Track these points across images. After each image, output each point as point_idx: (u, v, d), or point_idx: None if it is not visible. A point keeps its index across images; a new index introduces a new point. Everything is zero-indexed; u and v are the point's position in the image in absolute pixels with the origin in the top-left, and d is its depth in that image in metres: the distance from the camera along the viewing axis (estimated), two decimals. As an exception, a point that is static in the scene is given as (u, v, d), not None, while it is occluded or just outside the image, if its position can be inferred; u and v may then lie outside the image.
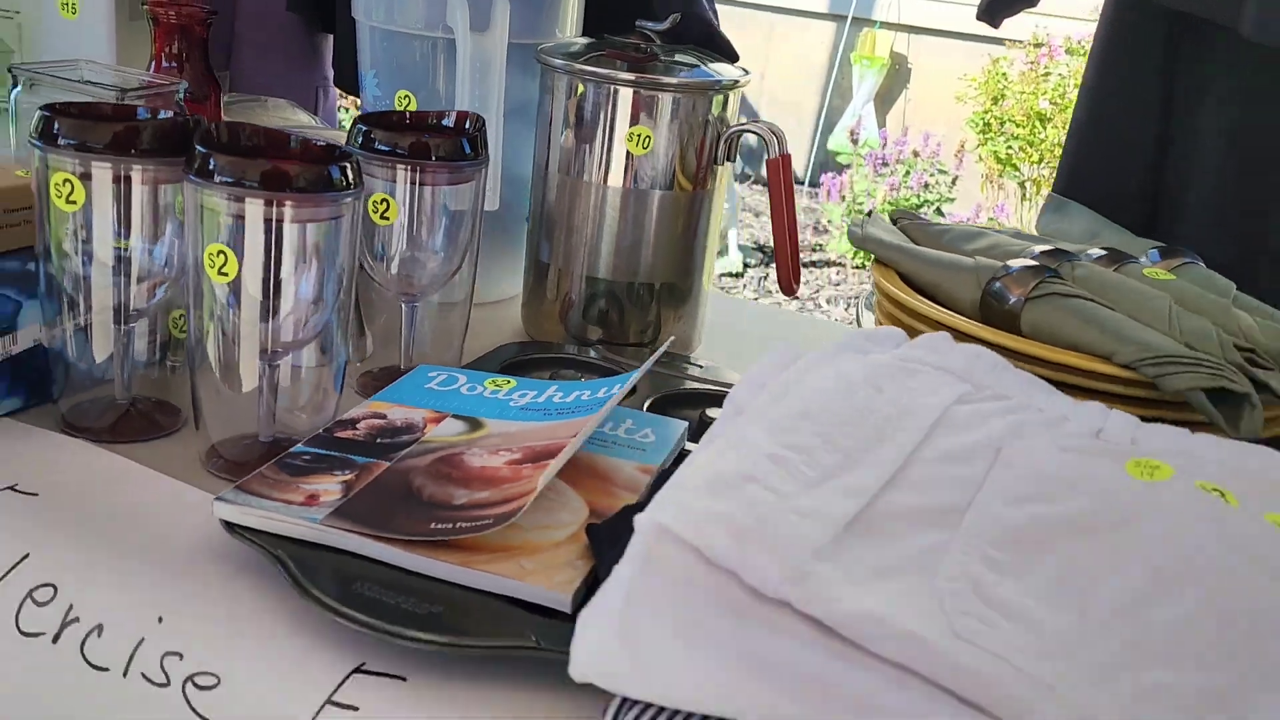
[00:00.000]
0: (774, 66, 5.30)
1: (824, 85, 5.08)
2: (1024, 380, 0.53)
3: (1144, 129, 0.90)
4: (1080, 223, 0.83)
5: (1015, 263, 0.66)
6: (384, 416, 0.58)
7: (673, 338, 0.69)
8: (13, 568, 0.48)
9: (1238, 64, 0.86)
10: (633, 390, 0.69)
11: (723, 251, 3.42)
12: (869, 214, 0.78)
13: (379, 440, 0.55)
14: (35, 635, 0.47)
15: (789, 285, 0.74)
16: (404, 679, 0.43)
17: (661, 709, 0.36)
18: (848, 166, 3.84)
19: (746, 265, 3.38)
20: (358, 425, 0.57)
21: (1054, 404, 0.52)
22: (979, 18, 0.93)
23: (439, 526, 0.47)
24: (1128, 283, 0.65)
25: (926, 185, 3.42)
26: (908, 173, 3.44)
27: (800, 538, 0.38)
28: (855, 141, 3.91)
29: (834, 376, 0.49)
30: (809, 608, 0.36)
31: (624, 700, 0.36)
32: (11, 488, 0.52)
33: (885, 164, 3.51)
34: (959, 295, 0.67)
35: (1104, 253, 0.71)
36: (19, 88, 0.75)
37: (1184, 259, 0.73)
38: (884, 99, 4.96)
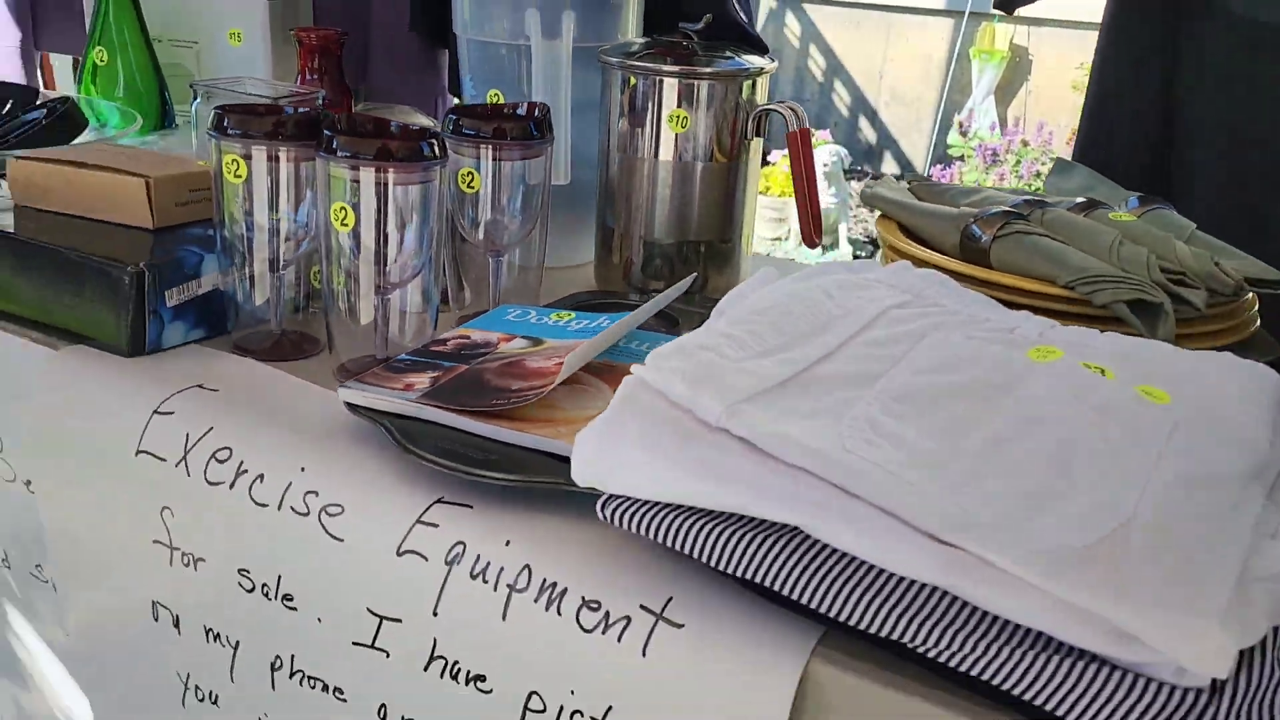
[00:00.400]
0: (893, 63, 5.35)
1: (943, 80, 5.10)
2: (964, 295, 0.66)
3: (1148, 106, 0.99)
4: (1078, 180, 0.94)
5: (990, 208, 0.79)
6: (468, 337, 0.75)
7: (694, 275, 0.84)
8: (202, 437, 0.67)
9: (1237, 44, 0.94)
10: (676, 324, 0.85)
11: (833, 245, 3.52)
12: (879, 177, 0.91)
13: (462, 352, 0.72)
14: (218, 484, 0.66)
15: (810, 238, 0.88)
16: (471, 506, 0.60)
17: (634, 500, 0.51)
18: (959, 159, 3.88)
19: (856, 257, 3.47)
20: (447, 343, 0.74)
21: (984, 311, 0.65)
22: (995, 6, 1.05)
23: (498, 402, 0.63)
24: (1084, 222, 0.77)
25: (1039, 174, 3.44)
26: (1018, 162, 3.47)
27: (739, 386, 0.53)
28: (965, 134, 3.94)
29: (797, 288, 0.63)
30: (739, 432, 0.51)
31: (609, 496, 0.52)
32: (200, 386, 0.71)
33: (996, 155, 3.54)
34: (943, 239, 0.80)
35: (1082, 201, 0.83)
36: (198, 100, 0.96)
37: (1155, 206, 0.83)
38: (1005, 91, 4.95)
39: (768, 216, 3.63)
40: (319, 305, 0.83)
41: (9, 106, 1.06)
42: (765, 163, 3.93)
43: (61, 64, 1.84)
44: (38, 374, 0.76)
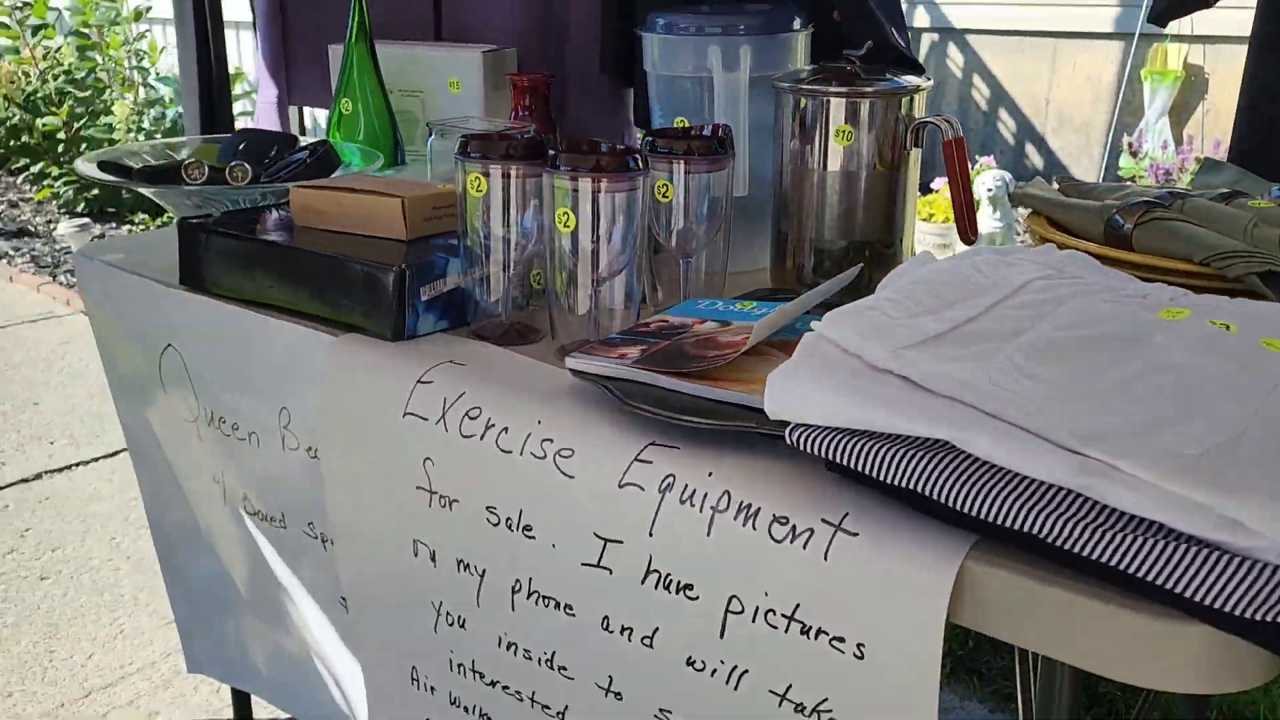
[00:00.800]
0: (1059, 89, 5.28)
1: (1113, 104, 5.01)
2: (1103, 270, 0.75)
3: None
4: (1225, 176, 1.00)
5: (1132, 199, 0.87)
6: (667, 321, 0.88)
7: (859, 266, 0.95)
8: (456, 400, 0.82)
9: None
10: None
11: (999, 269, 3.51)
12: (1031, 180, 1.00)
13: (663, 331, 0.85)
14: (470, 436, 0.81)
15: (965, 235, 0.98)
16: (678, 447, 0.73)
17: (815, 427, 0.63)
18: (1130, 180, 3.82)
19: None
20: (650, 325, 0.87)
21: (1120, 282, 0.74)
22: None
23: (697, 365, 0.76)
24: (1222, 209, 0.84)
25: (1215, 191, 3.36)
26: (1190, 181, 3.40)
27: (900, 337, 0.64)
28: (1135, 156, 3.88)
29: (950, 264, 0.74)
30: (900, 371, 0.62)
31: (794, 424, 0.64)
32: (451, 361, 0.87)
33: (1170, 175, 3.48)
34: (1089, 230, 0.88)
35: (1224, 192, 0.90)
36: (433, 136, 1.14)
37: (1297, 193, 0.90)
38: (1180, 112, 4.82)
39: (932, 243, 3.67)
40: (537, 303, 0.98)
41: (275, 150, 1.26)
42: (929, 190, 3.96)
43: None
44: (320, 358, 0.93)
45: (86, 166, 1.12)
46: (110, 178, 1.10)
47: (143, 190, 1.14)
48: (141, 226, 4.06)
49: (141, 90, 4.32)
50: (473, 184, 0.89)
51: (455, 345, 0.91)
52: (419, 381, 0.85)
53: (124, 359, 1.18)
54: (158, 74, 4.46)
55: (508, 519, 0.80)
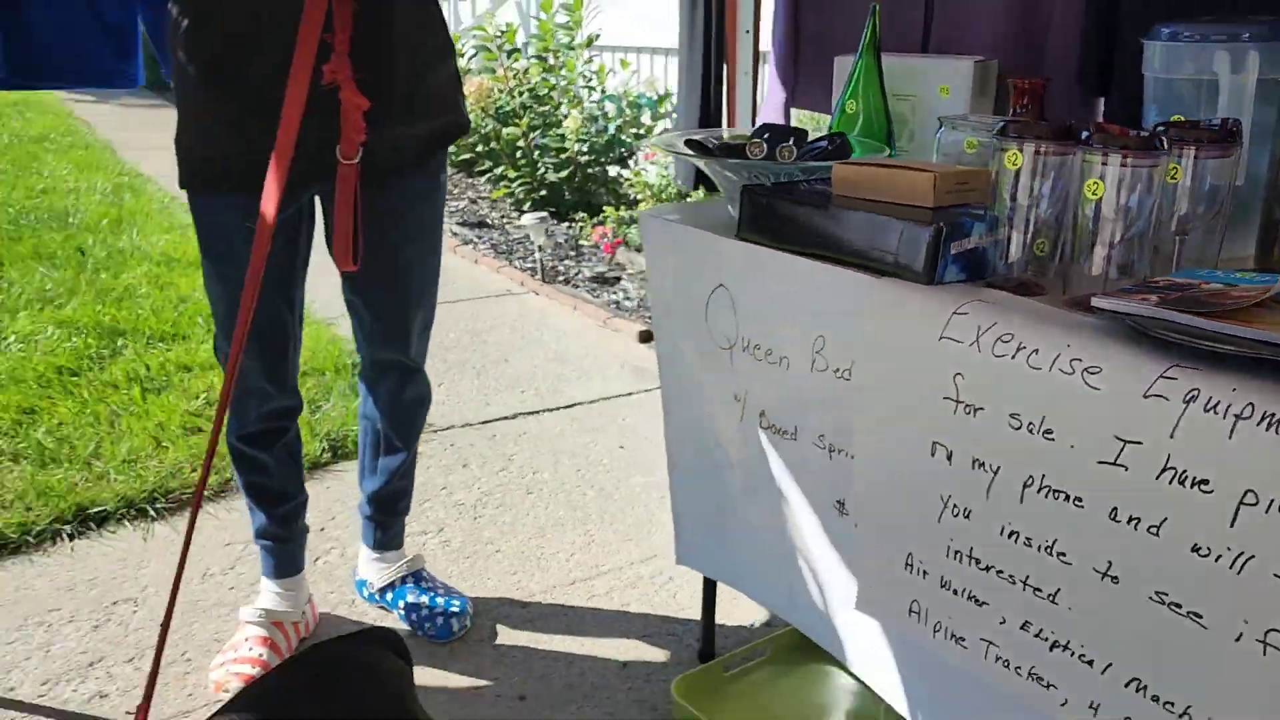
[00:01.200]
0: None
1: None
2: None
3: None
4: None
5: None
6: (1173, 280, 1.02)
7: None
8: (990, 327, 1.02)
9: None
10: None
11: None
12: None
13: (1172, 286, 1.00)
14: (1001, 356, 1.00)
15: None
16: (1199, 369, 0.87)
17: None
18: None
19: None
20: (1159, 281, 1.02)
21: None
22: None
23: (1219, 308, 0.91)
24: None
25: None
26: None
27: None
28: None
29: None
30: None
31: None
32: (979, 300, 1.06)
33: None
34: None
35: None
36: (942, 129, 1.34)
37: None
38: None
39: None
40: (1035, 268, 1.16)
41: (792, 139, 1.53)
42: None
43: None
44: (857, 296, 1.16)
45: (670, 144, 1.44)
46: (689, 153, 1.40)
47: (700, 161, 1.44)
48: (580, 223, 4.62)
49: (586, 106, 4.92)
50: (1009, 159, 1.09)
51: (976, 292, 1.11)
52: (955, 312, 1.06)
53: (673, 296, 1.48)
54: (603, 93, 5.06)
55: (1029, 424, 0.98)
